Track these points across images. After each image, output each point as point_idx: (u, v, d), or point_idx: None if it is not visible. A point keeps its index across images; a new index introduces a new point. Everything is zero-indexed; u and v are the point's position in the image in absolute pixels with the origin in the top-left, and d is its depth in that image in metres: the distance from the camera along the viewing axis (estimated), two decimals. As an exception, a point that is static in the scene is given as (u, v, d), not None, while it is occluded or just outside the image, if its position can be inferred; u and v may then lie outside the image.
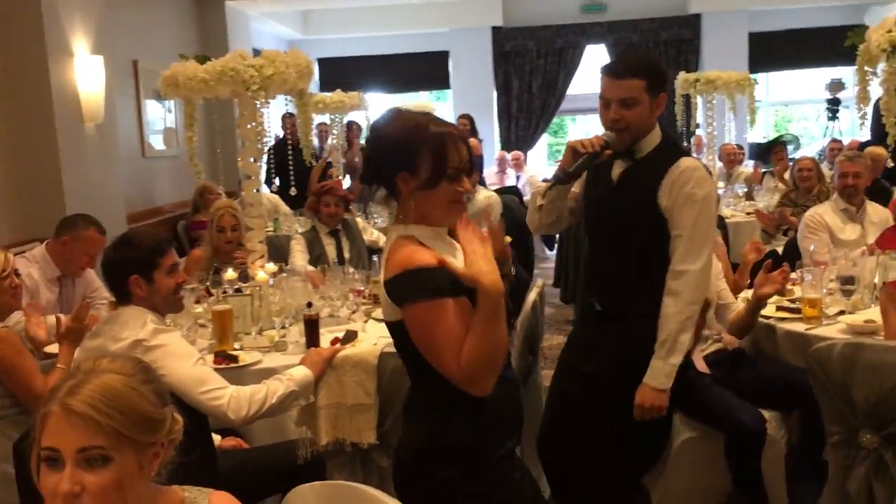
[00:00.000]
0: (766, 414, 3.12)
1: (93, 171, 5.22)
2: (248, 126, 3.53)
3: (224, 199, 4.78)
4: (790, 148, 9.62)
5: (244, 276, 3.76)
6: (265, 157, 8.02)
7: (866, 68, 3.83)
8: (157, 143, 7.07)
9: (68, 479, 1.25)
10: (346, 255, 4.53)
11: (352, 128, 8.64)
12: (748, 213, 6.49)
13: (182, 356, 2.39)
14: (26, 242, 4.49)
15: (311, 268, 4.33)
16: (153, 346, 2.37)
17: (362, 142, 9.44)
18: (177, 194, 7.23)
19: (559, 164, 2.65)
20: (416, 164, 1.83)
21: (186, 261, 4.65)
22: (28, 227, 4.74)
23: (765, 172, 8.33)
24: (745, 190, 7.21)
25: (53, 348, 3.36)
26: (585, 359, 2.75)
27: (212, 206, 4.95)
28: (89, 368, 1.32)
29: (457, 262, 1.79)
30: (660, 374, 2.56)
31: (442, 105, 12.00)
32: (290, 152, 4.46)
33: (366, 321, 3.52)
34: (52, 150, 4.82)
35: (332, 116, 7.34)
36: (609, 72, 2.60)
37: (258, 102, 3.50)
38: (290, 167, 4.09)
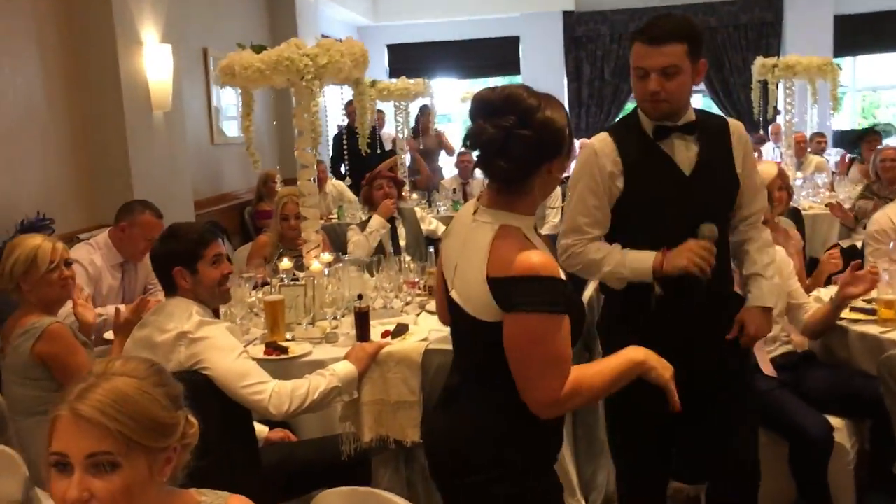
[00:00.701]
0: (836, 421, 2.97)
1: (160, 157, 5.31)
2: (304, 115, 3.51)
3: (286, 186, 4.79)
4: (886, 138, 9.17)
5: (301, 266, 3.77)
6: (331, 145, 8.12)
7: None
8: (229, 129, 7.18)
9: (76, 486, 1.23)
10: (402, 243, 4.49)
11: (426, 112, 8.60)
12: (827, 205, 6.19)
13: (225, 349, 2.38)
14: (96, 228, 4.60)
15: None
16: (197, 339, 2.38)
17: (438, 126, 9.40)
18: (245, 181, 7.33)
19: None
20: (566, 151, 1.77)
21: (252, 246, 4.70)
22: (98, 213, 4.86)
23: (852, 159, 7.94)
24: (826, 180, 6.88)
25: (111, 334, 3.43)
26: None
27: (275, 194, 4.99)
28: (101, 371, 1.30)
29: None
30: (770, 294, 2.42)
31: (512, 91, 11.86)
32: (345, 140, 4.43)
33: (418, 314, 3.48)
34: (121, 137, 4.91)
35: (397, 103, 7.31)
36: (645, 37, 2.25)
37: (315, 91, 3.48)
38: (345, 155, 4.05)
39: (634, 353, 1.78)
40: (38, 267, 2.71)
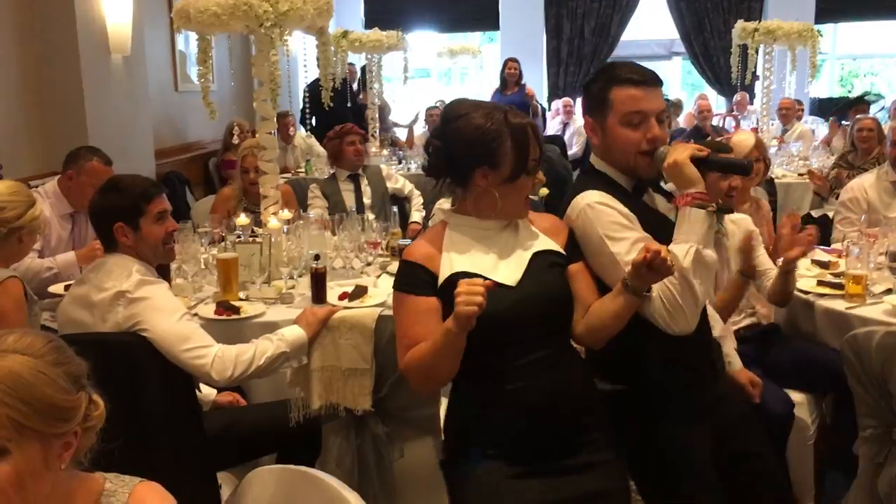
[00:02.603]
0: (797, 396, 2.93)
1: (119, 104, 5.11)
2: (263, 65, 3.34)
3: (250, 138, 4.62)
4: (874, 108, 9.11)
5: (259, 222, 3.64)
6: (301, 97, 7.91)
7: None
8: (196, 76, 6.92)
9: None
10: (367, 201, 4.36)
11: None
12: (800, 175, 6.14)
13: (166, 311, 2.26)
14: (48, 175, 4.41)
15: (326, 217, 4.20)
16: (136, 299, 2.25)
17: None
18: (212, 130, 7.11)
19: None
20: (498, 157, 1.82)
21: (216, 199, 4.55)
22: (50, 160, 4.65)
23: (839, 127, 7.85)
24: (800, 149, 6.82)
25: (57, 288, 3.29)
26: None
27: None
28: None
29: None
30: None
31: (491, 47, 11.65)
32: (307, 94, 4.27)
33: (378, 276, 3.37)
34: (76, 80, 4.71)
35: (370, 56, 7.11)
36: (645, 81, 2.01)
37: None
38: (308, 110, 3.90)
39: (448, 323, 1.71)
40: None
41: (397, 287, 1.90)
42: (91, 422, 1.24)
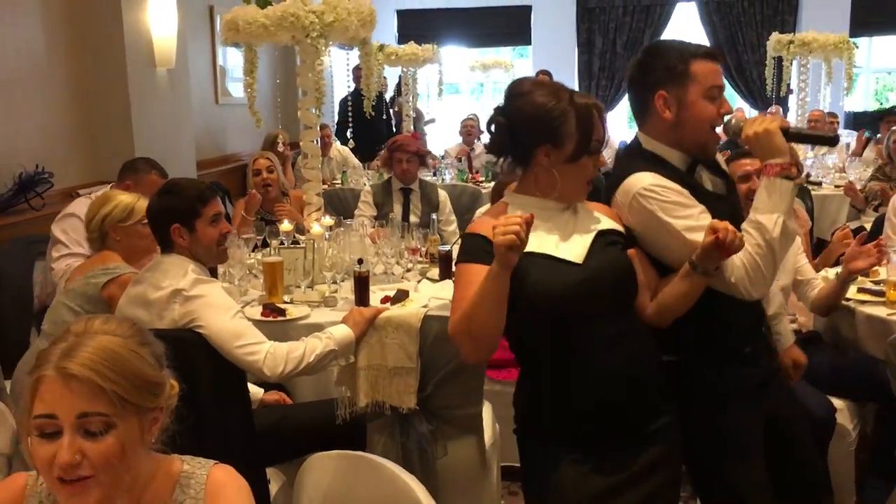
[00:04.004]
0: (839, 403, 2.93)
1: (163, 115, 5.24)
2: (308, 75, 3.43)
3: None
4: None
5: (301, 229, 3.72)
6: (337, 109, 8.02)
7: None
8: (235, 90, 7.07)
9: (68, 448, 1.16)
10: (413, 219, 4.38)
11: None
12: (837, 186, 6.10)
13: (221, 308, 2.33)
14: (96, 184, 4.54)
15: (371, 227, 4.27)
16: (192, 297, 2.33)
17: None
18: (250, 143, 7.25)
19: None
20: (561, 136, 1.81)
21: (247, 200, 4.65)
22: (97, 169, 4.80)
23: (868, 139, 7.82)
24: (838, 161, 6.79)
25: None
26: None
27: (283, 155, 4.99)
28: (81, 330, 1.24)
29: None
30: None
31: (523, 62, 11.70)
32: (350, 105, 4.36)
33: (419, 281, 3.43)
34: (123, 92, 4.84)
35: (405, 69, 7.20)
36: (718, 56, 2.04)
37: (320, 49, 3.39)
38: (350, 120, 3.98)
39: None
40: (133, 217, 2.91)
41: (460, 258, 1.86)
42: (171, 400, 1.31)
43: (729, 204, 2.08)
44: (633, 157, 2.06)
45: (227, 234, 2.54)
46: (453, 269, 2.06)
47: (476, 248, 1.82)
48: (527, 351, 1.88)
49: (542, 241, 1.83)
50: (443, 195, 4.73)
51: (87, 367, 1.18)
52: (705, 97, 1.97)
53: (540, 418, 1.86)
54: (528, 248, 1.75)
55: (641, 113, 2.06)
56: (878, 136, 7.52)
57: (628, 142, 2.30)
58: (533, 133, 1.82)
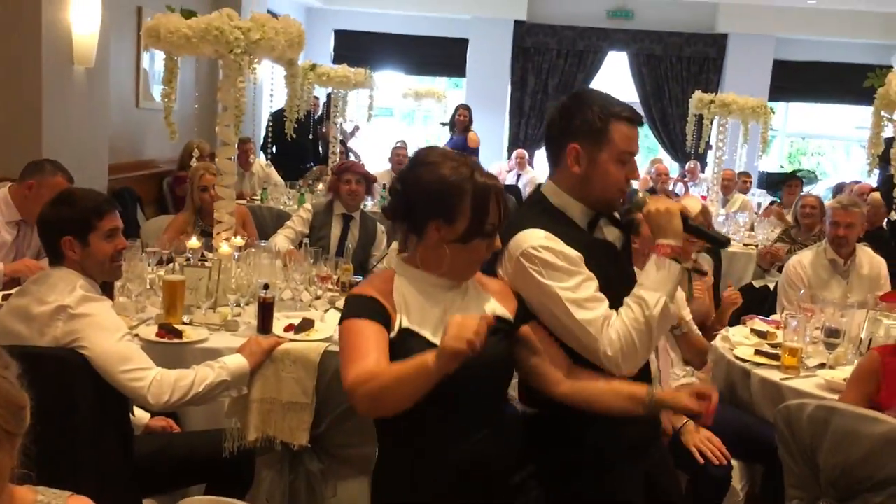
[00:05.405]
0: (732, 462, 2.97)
1: (77, 115, 5.04)
2: (230, 91, 3.35)
3: (201, 161, 4.60)
4: (807, 186, 9.46)
5: (210, 246, 3.60)
6: (264, 124, 7.89)
7: (883, 113, 3.62)
8: (159, 94, 6.85)
9: None
10: (349, 246, 4.29)
11: None
12: (745, 245, 6.30)
13: (107, 329, 2.22)
14: (-3, 181, 4.32)
15: (289, 247, 4.16)
16: (78, 315, 2.21)
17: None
18: (170, 149, 7.02)
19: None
20: (454, 213, 1.75)
21: (171, 223, 4.45)
22: (1, 166, 4.56)
23: (772, 203, 8.15)
24: (748, 220, 7.02)
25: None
26: None
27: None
28: None
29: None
30: None
31: (456, 93, 11.80)
32: (270, 124, 4.28)
33: (326, 310, 3.35)
34: (36, 88, 4.63)
35: (335, 91, 7.15)
36: (638, 120, 2.03)
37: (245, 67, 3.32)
38: (269, 138, 3.91)
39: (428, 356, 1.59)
40: None
41: (348, 316, 1.75)
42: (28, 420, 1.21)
43: (625, 257, 2.11)
44: (534, 209, 2.03)
45: (123, 249, 2.42)
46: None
47: (364, 306, 1.75)
48: (390, 427, 1.80)
49: (423, 320, 1.77)
50: (381, 230, 4.64)
51: None
52: (617, 161, 1.95)
53: (403, 495, 1.79)
54: (411, 325, 1.73)
55: (553, 160, 2.03)
56: (780, 199, 7.88)
57: None
58: (427, 205, 1.78)
